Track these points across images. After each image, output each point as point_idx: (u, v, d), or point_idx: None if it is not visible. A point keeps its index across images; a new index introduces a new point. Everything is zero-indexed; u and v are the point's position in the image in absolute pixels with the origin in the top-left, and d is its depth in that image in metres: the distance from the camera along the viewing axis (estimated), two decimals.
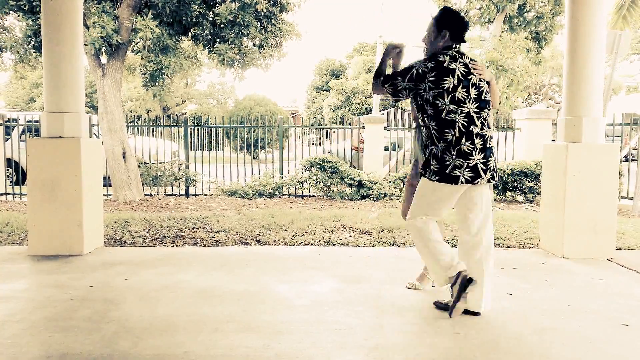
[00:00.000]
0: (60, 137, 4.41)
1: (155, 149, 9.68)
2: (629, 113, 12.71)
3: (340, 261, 4.25)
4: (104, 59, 7.57)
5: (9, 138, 9.32)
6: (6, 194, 8.55)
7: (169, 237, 5.13)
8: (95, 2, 7.33)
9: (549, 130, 9.25)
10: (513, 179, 7.89)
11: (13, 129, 9.54)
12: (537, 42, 7.29)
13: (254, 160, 13.90)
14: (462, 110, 2.85)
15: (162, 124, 11.81)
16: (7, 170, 9.33)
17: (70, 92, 4.43)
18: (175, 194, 8.59)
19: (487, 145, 2.92)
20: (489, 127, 2.94)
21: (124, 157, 7.64)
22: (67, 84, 4.41)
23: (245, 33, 7.76)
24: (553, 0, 7.20)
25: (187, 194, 8.61)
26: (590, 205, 4.32)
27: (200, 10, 7.62)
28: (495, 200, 7.74)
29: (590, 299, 3.32)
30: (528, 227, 5.46)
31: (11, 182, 9.44)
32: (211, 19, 7.79)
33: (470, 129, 2.85)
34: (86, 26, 7.15)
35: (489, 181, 2.92)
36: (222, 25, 7.62)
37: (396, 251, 4.64)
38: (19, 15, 7.48)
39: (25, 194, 7.51)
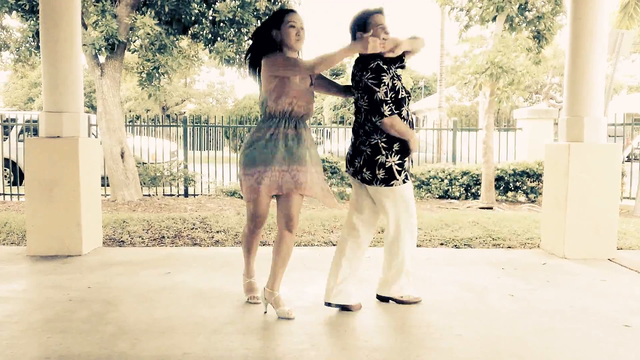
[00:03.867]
0: (58, 136, 4.38)
1: (154, 149, 9.65)
2: (630, 113, 12.67)
3: None
4: (102, 58, 7.54)
5: (7, 138, 9.29)
6: (4, 194, 8.53)
7: (168, 238, 5.11)
8: (94, 0, 7.30)
9: (550, 130, 9.23)
10: (515, 179, 7.87)
11: (11, 128, 9.52)
12: (538, 41, 7.27)
13: None
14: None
15: (161, 124, 11.82)
16: (5, 170, 9.31)
17: (68, 92, 4.40)
18: (174, 194, 8.56)
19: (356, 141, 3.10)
20: (362, 124, 3.06)
21: (122, 157, 7.60)
22: (65, 83, 4.38)
23: (245, 32, 7.73)
24: (554, 0, 7.18)
25: (186, 194, 8.58)
26: (592, 206, 4.29)
27: (200, 9, 7.59)
28: (497, 200, 7.72)
29: (591, 299, 3.30)
30: (529, 228, 5.44)
31: (9, 182, 9.40)
32: (211, 18, 7.76)
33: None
34: (84, 26, 7.12)
35: (353, 175, 3.09)
36: (221, 24, 7.59)
37: None
38: (19, 16, 7.44)
39: (23, 194, 7.49)
